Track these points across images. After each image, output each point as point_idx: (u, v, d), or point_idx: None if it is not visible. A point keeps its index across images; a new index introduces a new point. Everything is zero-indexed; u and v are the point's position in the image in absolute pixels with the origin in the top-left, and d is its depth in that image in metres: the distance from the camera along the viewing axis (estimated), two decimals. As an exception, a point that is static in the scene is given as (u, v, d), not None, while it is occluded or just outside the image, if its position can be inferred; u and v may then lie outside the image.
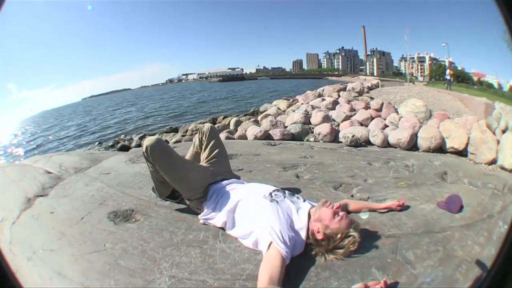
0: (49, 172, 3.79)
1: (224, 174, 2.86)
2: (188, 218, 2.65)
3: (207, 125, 3.10)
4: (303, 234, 2.16)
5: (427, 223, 2.33)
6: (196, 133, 3.39)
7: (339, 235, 2.06)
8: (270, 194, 2.40)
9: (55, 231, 2.45)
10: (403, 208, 2.58)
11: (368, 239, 2.18)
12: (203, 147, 3.03)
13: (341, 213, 2.17)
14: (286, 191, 2.52)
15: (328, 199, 2.28)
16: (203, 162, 2.95)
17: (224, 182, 2.72)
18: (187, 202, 2.76)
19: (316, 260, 2.04)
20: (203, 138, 3.03)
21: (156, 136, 2.57)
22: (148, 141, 2.55)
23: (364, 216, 2.31)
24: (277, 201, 2.31)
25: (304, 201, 2.47)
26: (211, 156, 2.94)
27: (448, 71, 23.88)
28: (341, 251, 2.04)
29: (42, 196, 3.16)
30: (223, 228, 2.43)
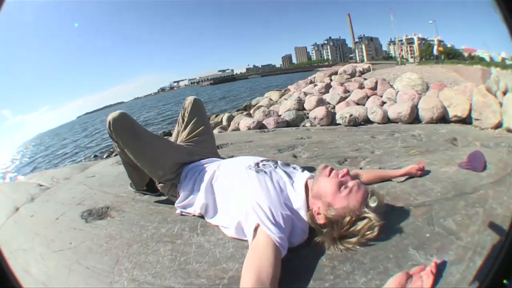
0: (41, 185, 3.61)
1: (206, 154, 2.33)
2: (164, 210, 2.23)
3: (190, 98, 2.55)
4: (303, 214, 1.59)
5: (456, 185, 1.89)
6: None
7: (347, 218, 1.44)
8: (257, 164, 1.86)
9: (31, 232, 2.27)
10: (424, 173, 2.10)
11: (394, 213, 1.66)
12: (184, 125, 2.50)
13: (350, 183, 1.53)
14: (279, 161, 1.97)
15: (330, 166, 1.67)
16: (181, 142, 2.43)
17: (203, 160, 2.21)
18: (160, 188, 2.24)
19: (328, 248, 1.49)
20: (185, 113, 2.50)
21: (121, 110, 2.13)
22: (111, 115, 2.10)
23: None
24: (265, 172, 1.77)
25: (303, 171, 1.87)
26: (193, 134, 2.42)
27: (435, 47, 23.84)
28: (353, 239, 1.44)
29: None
30: (203, 217, 1.96)
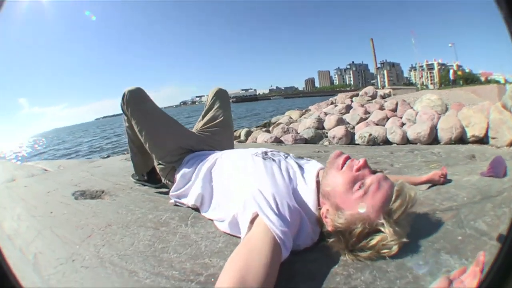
0: (46, 170, 3.63)
1: (218, 147, 2.10)
2: (159, 200, 2.11)
3: (214, 88, 2.38)
4: (315, 209, 1.28)
5: (481, 191, 1.76)
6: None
7: (357, 230, 1.13)
8: (265, 152, 1.60)
9: (18, 197, 2.29)
10: (446, 181, 1.94)
11: (420, 217, 1.43)
12: (203, 114, 2.32)
13: (368, 180, 1.19)
14: (291, 154, 1.67)
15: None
16: (196, 130, 2.24)
17: (211, 151, 1.99)
18: (158, 170, 2.07)
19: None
20: (206, 104, 2.35)
21: (139, 86, 2.07)
22: (128, 88, 2.03)
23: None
24: (273, 159, 1.50)
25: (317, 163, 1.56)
26: (210, 125, 2.22)
27: (451, 72, 24.25)
28: (363, 254, 1.14)
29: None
30: (198, 210, 1.76)
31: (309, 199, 1.31)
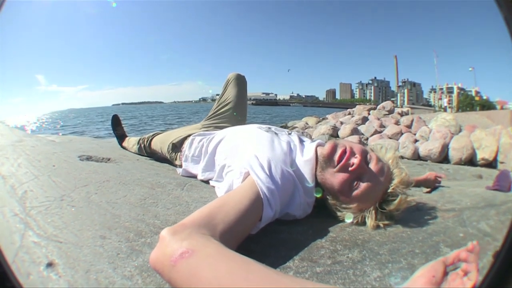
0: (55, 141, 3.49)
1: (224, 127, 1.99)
2: (162, 169, 2.06)
3: (232, 74, 2.31)
4: (310, 178, 1.23)
5: (485, 199, 1.61)
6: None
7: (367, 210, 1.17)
8: (269, 127, 1.55)
9: (23, 152, 2.13)
10: (446, 186, 1.90)
11: (418, 212, 1.34)
12: (217, 99, 2.30)
13: (366, 177, 1.16)
14: (295, 132, 1.60)
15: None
16: (208, 117, 2.24)
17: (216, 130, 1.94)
18: (169, 158, 2.07)
19: (330, 224, 1.20)
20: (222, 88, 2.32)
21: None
22: (142, 139, 2.42)
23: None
24: (276, 133, 1.45)
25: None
26: (218, 108, 2.23)
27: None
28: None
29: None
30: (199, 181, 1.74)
31: (306, 170, 1.24)
